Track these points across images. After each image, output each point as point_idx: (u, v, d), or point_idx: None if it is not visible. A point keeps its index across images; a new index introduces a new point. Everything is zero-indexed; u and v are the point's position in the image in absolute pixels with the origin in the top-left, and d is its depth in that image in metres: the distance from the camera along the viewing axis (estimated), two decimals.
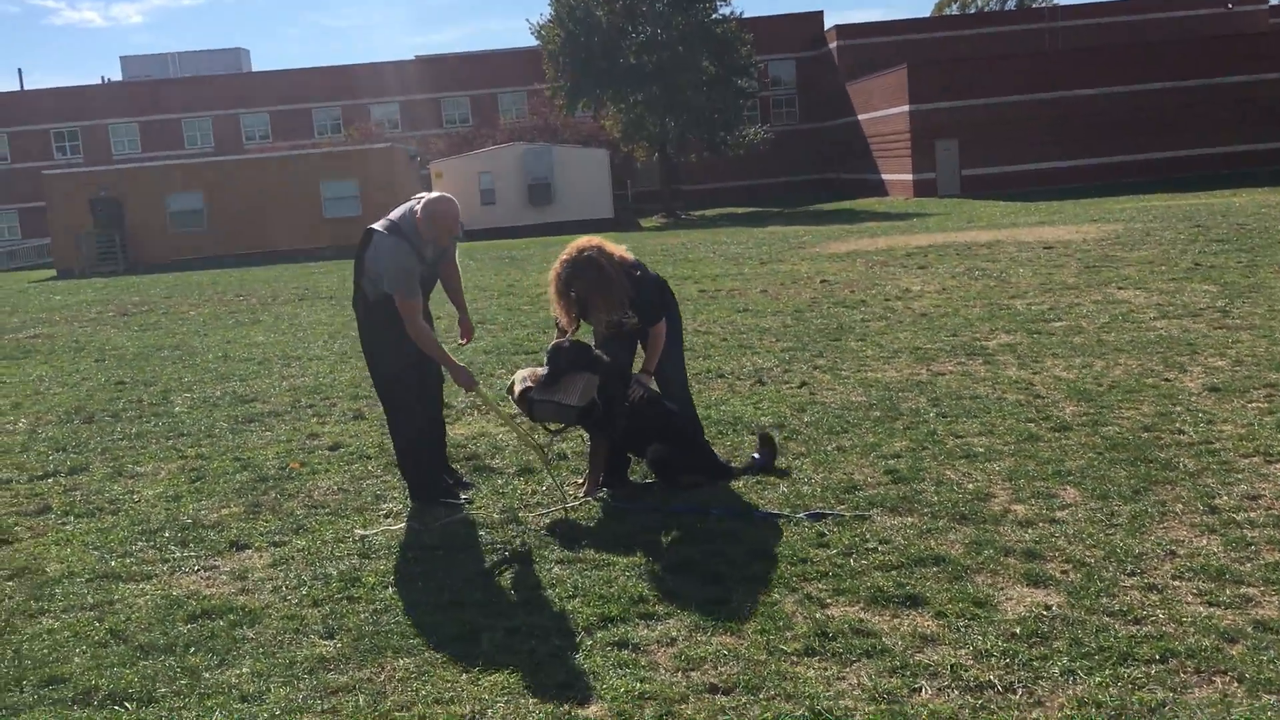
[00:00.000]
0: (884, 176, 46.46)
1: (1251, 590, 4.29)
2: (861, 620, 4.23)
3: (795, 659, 3.96)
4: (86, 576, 5.37)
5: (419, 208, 6.00)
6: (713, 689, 3.78)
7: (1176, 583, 4.38)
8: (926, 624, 4.16)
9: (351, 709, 3.82)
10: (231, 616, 4.71)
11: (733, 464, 6.40)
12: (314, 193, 36.87)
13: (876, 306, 13.12)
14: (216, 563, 5.51)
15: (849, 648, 4.00)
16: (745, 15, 47.16)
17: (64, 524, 6.36)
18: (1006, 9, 59.08)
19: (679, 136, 45.95)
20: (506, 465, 6.93)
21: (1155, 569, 4.53)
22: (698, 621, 4.34)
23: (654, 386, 6.31)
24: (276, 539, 5.79)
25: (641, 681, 3.86)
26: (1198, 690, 3.56)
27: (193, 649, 4.42)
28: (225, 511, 6.38)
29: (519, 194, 43.42)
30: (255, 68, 66.01)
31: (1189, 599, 4.23)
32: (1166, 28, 50.64)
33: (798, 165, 55.59)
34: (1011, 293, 13.47)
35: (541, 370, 6.18)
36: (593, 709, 3.71)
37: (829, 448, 6.76)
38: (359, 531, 5.76)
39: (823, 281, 16.54)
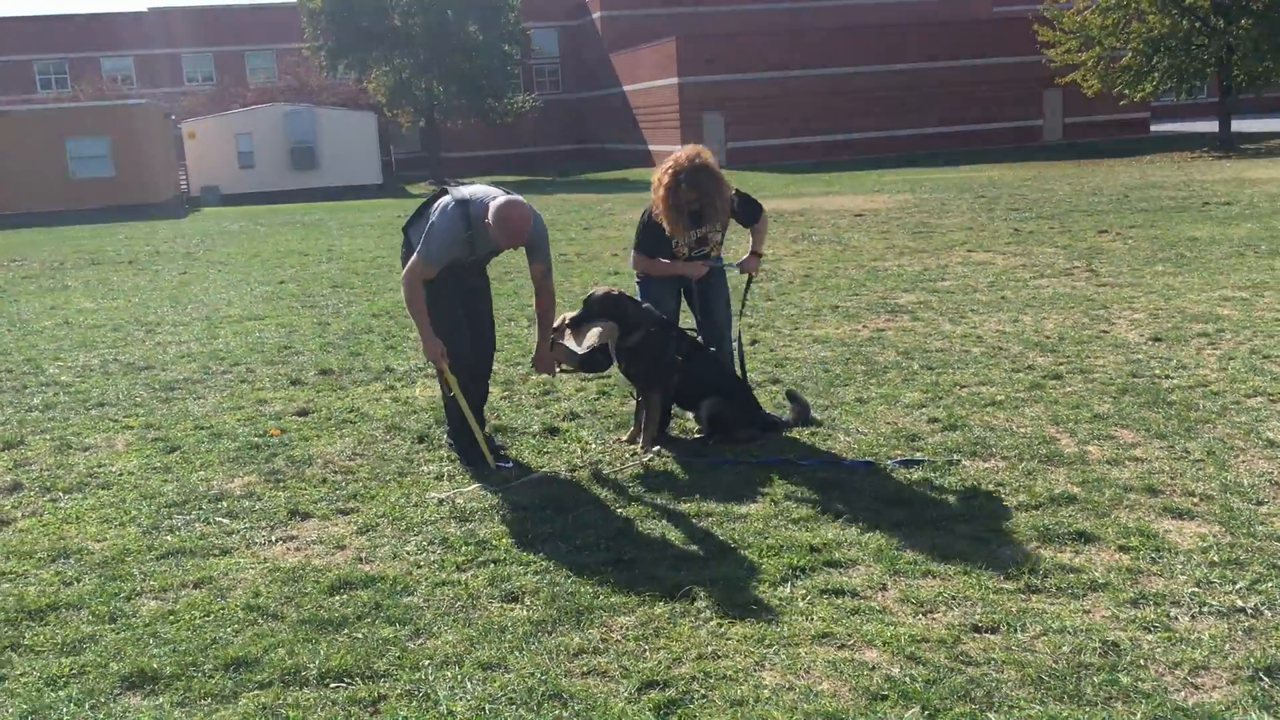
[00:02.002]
0: (651, 147, 47.06)
1: None
2: (1053, 558, 4.33)
3: (1025, 596, 4.02)
4: (153, 554, 4.82)
5: (491, 205, 5.55)
6: (976, 629, 3.78)
7: None
8: (1119, 558, 4.31)
9: (619, 670, 3.60)
10: (380, 586, 4.34)
11: (782, 417, 6.39)
12: (58, 151, 33.86)
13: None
14: (292, 533, 5.06)
15: (1070, 584, 4.09)
16: None
17: (55, 501, 5.67)
18: None
19: (446, 102, 45.02)
20: (525, 425, 6.66)
21: (1275, 498, 4.85)
22: (889, 567, 4.32)
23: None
24: (339, 507, 5.36)
25: (896, 625, 3.82)
26: None
27: (367, 620, 4.04)
28: (243, 481, 5.85)
29: (280, 157, 41.43)
30: None
31: None
32: (909, 12, 53.59)
33: (562, 135, 55.57)
34: (870, 256, 14.00)
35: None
36: (872, 654, 3.64)
37: (848, 399, 6.86)
38: (435, 495, 5.41)
39: None
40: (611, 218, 22.55)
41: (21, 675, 3.75)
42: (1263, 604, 3.84)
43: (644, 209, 6.28)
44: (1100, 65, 38.66)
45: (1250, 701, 3.24)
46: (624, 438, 6.26)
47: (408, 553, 4.71)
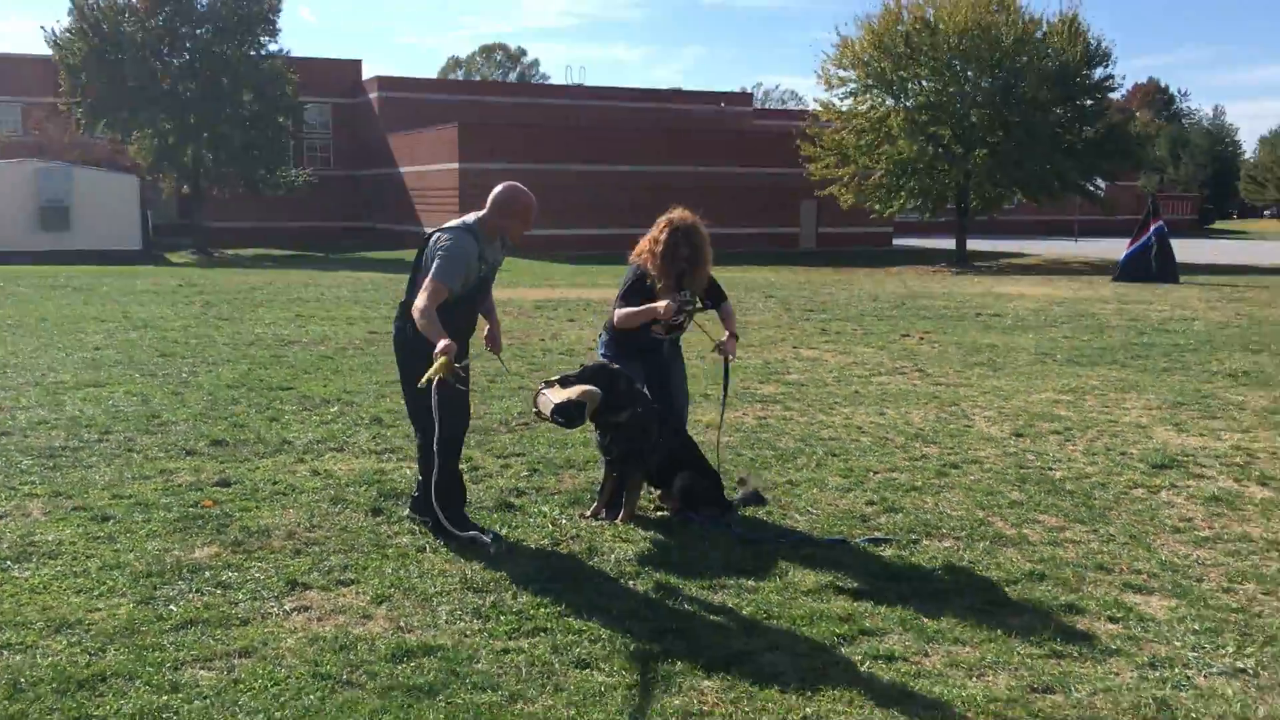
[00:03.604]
0: (428, 230, 46.90)
1: None
2: (1058, 626, 4.79)
3: (1056, 661, 4.44)
4: (168, 624, 4.62)
5: (493, 200, 5.80)
6: (1034, 689, 4.16)
7: (1245, 584, 5.38)
8: (1114, 628, 4.81)
9: None
10: (442, 654, 4.33)
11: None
12: None
13: (587, 355, 13.66)
14: (302, 603, 4.94)
15: (1088, 650, 4.55)
16: (291, 54, 45.77)
17: (6, 570, 5.30)
18: (526, 81, 62.22)
19: (215, 170, 43.55)
20: (478, 500, 6.67)
21: (1208, 575, 5.51)
22: (919, 635, 4.67)
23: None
24: (335, 578, 5.27)
25: (961, 688, 4.16)
26: None
27: (455, 686, 4.04)
28: (208, 551, 5.63)
29: (28, 216, 38.77)
30: None
31: (1261, 596, 5.24)
32: (682, 119, 56.01)
33: (331, 211, 54.51)
34: (703, 349, 14.54)
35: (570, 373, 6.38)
36: (959, 712, 3.96)
37: (779, 482, 7.24)
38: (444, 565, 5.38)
39: None
40: None
41: None
42: (1257, 665, 4.41)
43: (630, 271, 6.53)
44: (855, 181, 41.58)
45: None
46: (587, 513, 6.39)
47: (444, 623, 4.70)
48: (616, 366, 6.31)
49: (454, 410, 5.88)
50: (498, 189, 5.86)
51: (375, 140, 53.32)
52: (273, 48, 44.06)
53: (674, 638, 4.57)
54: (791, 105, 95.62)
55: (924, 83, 40.08)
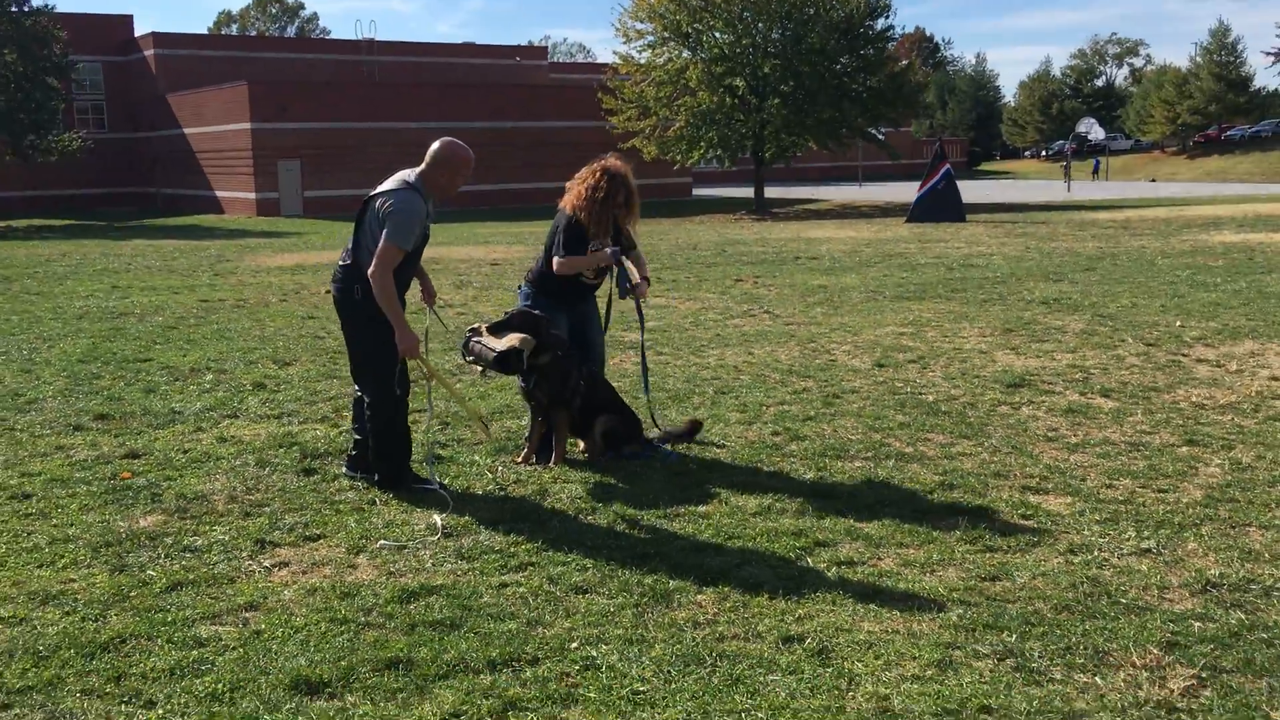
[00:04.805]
0: (220, 194, 45.16)
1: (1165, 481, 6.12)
2: (983, 525, 5.35)
3: (990, 554, 4.98)
4: (155, 590, 4.66)
5: (431, 157, 5.88)
6: (982, 578, 4.69)
7: (1122, 480, 6.09)
8: (1029, 523, 5.41)
9: (747, 634, 4.13)
10: (446, 592, 4.55)
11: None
12: None
13: (454, 311, 13.74)
14: (281, 559, 5.04)
15: (1015, 543, 5.11)
16: (56, 9, 43.00)
17: None
18: (306, 36, 60.25)
19: None
20: None
21: (1089, 475, 6.21)
22: (867, 543, 5.15)
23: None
24: (301, 534, 5.38)
25: (919, 582, 4.65)
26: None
27: (473, 618, 4.27)
28: (154, 520, 5.63)
29: None
30: None
31: (1139, 490, 5.95)
32: (479, 73, 55.43)
33: (108, 177, 51.67)
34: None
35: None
36: (928, 603, 4.43)
37: (681, 420, 7.64)
38: (437, 519, 5.49)
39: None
40: (230, 264, 21.78)
41: (170, 699, 3.66)
42: (1159, 545, 5.06)
43: (559, 216, 6.70)
44: (656, 133, 42.29)
45: (1215, 604, 4.39)
46: (518, 460, 6.63)
47: (431, 566, 4.90)
48: (539, 312, 6.54)
49: (404, 369, 6.02)
50: (436, 145, 5.96)
51: (154, 100, 50.77)
52: (36, 3, 41.32)
53: (654, 560, 4.91)
54: (582, 59, 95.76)
55: (718, 35, 41.01)
